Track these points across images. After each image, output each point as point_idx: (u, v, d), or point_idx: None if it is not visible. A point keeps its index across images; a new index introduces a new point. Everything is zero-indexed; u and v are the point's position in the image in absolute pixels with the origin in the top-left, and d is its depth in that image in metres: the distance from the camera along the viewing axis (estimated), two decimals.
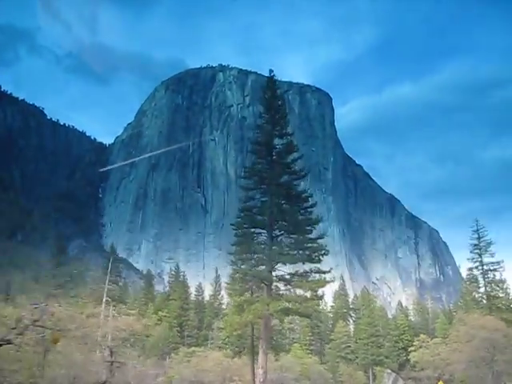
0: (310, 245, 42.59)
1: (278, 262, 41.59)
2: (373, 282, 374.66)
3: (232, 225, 45.57)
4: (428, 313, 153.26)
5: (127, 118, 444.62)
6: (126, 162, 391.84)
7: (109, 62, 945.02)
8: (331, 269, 43.52)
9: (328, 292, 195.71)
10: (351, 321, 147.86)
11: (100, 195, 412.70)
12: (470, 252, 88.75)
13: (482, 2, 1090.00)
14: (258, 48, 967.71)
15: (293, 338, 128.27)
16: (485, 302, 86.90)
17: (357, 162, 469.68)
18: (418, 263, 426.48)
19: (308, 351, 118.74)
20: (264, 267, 42.12)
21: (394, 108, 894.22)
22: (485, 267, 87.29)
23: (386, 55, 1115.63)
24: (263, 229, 43.78)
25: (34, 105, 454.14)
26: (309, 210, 44.55)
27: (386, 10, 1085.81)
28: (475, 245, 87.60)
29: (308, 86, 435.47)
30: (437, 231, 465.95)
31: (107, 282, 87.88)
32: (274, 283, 42.44)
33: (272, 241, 42.65)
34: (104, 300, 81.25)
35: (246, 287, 45.64)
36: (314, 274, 42.19)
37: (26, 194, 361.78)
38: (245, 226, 44.37)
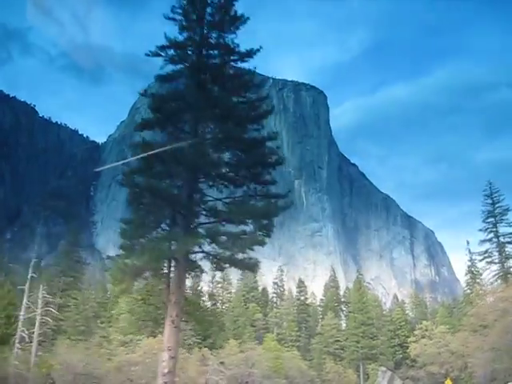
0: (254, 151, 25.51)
1: (203, 175, 24.81)
2: (367, 283, 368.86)
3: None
4: (426, 307, 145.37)
5: (121, 117, 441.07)
6: (122, 161, 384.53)
7: (103, 62, 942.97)
8: (288, 192, 25.98)
9: (319, 286, 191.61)
10: (342, 316, 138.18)
11: (92, 193, 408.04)
12: (483, 221, 76.59)
13: (475, 4, 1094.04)
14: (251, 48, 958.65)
15: (267, 329, 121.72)
16: (500, 281, 72.24)
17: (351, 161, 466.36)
18: (414, 263, 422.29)
19: (294, 347, 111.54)
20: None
21: (387, 109, 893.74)
22: (501, 239, 74.93)
23: (381, 57, 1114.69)
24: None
25: (26, 102, 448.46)
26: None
27: (380, 13, 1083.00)
28: (489, 212, 75.66)
29: (303, 83, 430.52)
30: (432, 231, 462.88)
31: None
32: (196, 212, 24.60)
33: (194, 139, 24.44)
34: None
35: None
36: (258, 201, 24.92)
37: (16, 192, 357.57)
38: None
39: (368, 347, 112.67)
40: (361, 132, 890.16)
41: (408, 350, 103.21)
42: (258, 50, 25.66)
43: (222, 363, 74.16)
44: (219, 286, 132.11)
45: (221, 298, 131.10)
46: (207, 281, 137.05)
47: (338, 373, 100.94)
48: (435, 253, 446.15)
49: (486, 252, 76.79)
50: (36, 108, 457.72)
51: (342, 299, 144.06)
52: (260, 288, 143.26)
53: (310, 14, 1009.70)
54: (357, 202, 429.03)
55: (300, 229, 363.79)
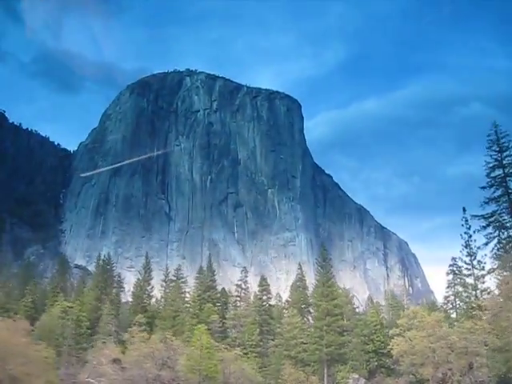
0: None
1: None
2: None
3: None
4: (404, 309, 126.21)
5: (93, 125, 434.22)
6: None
7: (76, 70, 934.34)
8: None
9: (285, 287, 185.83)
10: (311, 319, 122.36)
11: (61, 201, 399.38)
12: (487, 176, 59.33)
13: (449, 22, 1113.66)
14: (228, 61, 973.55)
15: (224, 332, 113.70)
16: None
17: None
18: (387, 275, 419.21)
19: (253, 353, 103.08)
20: None
21: (360, 123, 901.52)
22: None
23: (355, 71, 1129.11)
24: None
25: None
26: None
27: (356, 28, 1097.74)
28: (496, 161, 58.72)
29: (277, 92, 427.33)
30: (406, 243, 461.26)
31: None
32: None
33: None
34: None
35: None
36: None
37: None
38: None
39: (335, 345, 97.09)
40: (333, 145, 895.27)
41: (389, 347, 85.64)
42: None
43: (115, 361, 66.40)
44: (172, 284, 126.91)
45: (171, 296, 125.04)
46: (160, 279, 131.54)
47: (299, 380, 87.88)
48: (409, 264, 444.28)
49: (492, 215, 58.56)
50: (6, 114, 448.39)
51: (310, 300, 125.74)
52: (219, 288, 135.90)
53: (286, 29, 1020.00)
54: (330, 212, 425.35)
55: (273, 238, 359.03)
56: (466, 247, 73.52)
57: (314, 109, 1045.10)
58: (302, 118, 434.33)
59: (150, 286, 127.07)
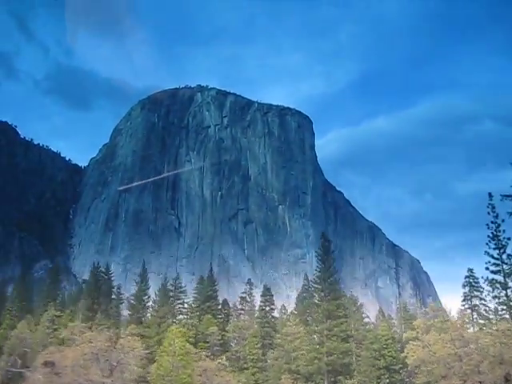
0: None
1: None
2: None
3: None
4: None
5: (104, 141, 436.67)
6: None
7: (88, 87, 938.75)
8: None
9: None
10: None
11: (71, 216, 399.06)
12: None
13: (458, 40, 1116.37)
14: (239, 79, 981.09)
15: (224, 345, 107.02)
16: None
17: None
18: (399, 293, 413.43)
19: (255, 368, 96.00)
20: None
21: (371, 141, 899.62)
22: None
23: (366, 89, 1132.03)
24: None
25: (7, 123, 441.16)
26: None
27: (367, 47, 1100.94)
28: None
29: (288, 108, 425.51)
30: (418, 261, 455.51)
31: None
32: None
33: None
34: None
35: None
36: None
37: None
38: None
39: (337, 353, 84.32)
40: (344, 162, 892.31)
41: (403, 355, 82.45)
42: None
43: (47, 364, 57.30)
44: (171, 294, 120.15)
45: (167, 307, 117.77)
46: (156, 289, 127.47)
47: None
48: (421, 282, 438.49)
49: None
50: (17, 129, 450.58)
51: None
52: (220, 299, 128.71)
53: (298, 47, 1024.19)
54: (342, 229, 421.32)
55: (283, 255, 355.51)
56: (493, 239, 60.96)
57: (325, 126, 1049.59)
58: (313, 134, 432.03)
59: (146, 297, 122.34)
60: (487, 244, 57.73)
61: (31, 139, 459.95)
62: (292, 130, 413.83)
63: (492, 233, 56.09)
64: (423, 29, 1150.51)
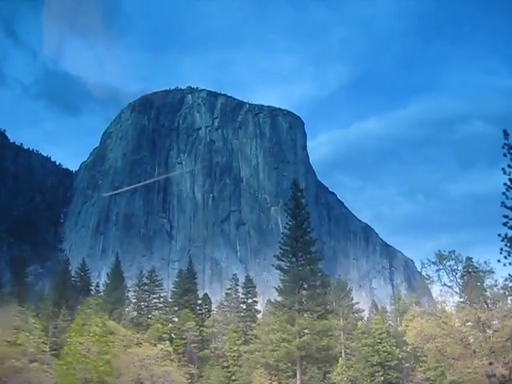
0: None
1: None
2: None
3: None
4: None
5: (95, 146, 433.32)
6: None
7: (78, 91, 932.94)
8: None
9: None
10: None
11: (61, 220, 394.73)
12: None
13: (448, 41, 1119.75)
14: (231, 82, 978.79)
15: (203, 342, 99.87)
16: None
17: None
18: (393, 293, 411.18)
19: (235, 366, 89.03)
20: None
21: (362, 142, 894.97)
22: None
23: (356, 91, 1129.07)
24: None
25: None
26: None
27: (358, 49, 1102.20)
28: None
29: (279, 109, 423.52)
30: (412, 261, 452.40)
31: None
32: None
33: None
34: None
35: None
36: None
37: None
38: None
39: (312, 333, 60.31)
40: (336, 164, 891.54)
41: (401, 329, 76.12)
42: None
43: None
44: (146, 288, 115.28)
45: (145, 302, 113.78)
46: (133, 284, 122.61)
47: None
48: (415, 282, 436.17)
49: None
50: (6, 134, 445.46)
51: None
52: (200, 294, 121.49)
53: (290, 50, 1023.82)
54: (335, 231, 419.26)
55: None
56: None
57: (316, 129, 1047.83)
58: (305, 135, 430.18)
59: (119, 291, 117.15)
60: (504, 194, 40.95)
61: (21, 144, 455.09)
62: (284, 130, 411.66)
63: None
64: (413, 30, 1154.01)
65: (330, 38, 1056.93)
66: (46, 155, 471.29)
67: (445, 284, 50.71)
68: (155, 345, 68.43)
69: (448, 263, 51.80)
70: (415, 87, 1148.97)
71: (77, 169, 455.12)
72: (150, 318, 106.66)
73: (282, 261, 65.69)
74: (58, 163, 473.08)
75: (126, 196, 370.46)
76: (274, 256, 66.47)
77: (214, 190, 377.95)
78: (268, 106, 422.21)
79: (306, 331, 62.30)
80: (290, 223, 67.22)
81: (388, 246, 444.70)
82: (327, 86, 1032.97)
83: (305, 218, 67.78)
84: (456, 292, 51.83)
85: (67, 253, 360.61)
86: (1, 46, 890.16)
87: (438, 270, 52.35)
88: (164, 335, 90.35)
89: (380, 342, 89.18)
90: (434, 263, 52.97)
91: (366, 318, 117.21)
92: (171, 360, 68.25)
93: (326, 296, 74.15)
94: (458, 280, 50.50)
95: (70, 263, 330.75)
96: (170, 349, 70.95)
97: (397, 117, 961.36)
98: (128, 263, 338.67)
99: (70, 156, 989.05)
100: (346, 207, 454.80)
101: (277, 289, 67.12)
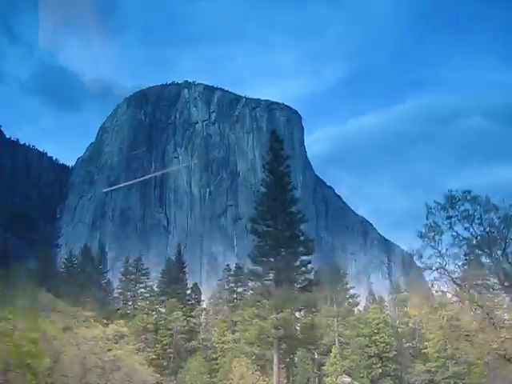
0: None
1: None
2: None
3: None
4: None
5: (92, 141, 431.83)
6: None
7: (74, 87, 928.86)
8: None
9: None
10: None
11: (58, 215, 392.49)
12: None
13: (446, 36, 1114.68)
14: (227, 78, 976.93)
15: (190, 333, 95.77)
16: None
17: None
18: (392, 288, 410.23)
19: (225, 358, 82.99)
20: None
21: (359, 138, 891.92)
22: None
23: (353, 87, 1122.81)
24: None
25: None
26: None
27: (354, 45, 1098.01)
28: None
29: (276, 103, 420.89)
30: (410, 255, 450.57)
31: None
32: None
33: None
34: None
35: None
36: None
37: None
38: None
39: (290, 308, 51.85)
40: (333, 160, 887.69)
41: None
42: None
43: None
44: (131, 277, 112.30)
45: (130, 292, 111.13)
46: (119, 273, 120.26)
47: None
48: (414, 277, 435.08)
49: None
50: (2, 129, 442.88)
51: None
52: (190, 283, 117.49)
53: (287, 46, 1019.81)
54: (333, 225, 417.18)
55: None
56: None
57: (313, 125, 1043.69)
58: (303, 129, 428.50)
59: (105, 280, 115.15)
60: None
61: (17, 139, 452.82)
62: (281, 124, 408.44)
63: None
64: (410, 26, 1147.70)
65: (327, 34, 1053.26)
66: (42, 150, 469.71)
67: (458, 235, 41.56)
68: (107, 325, 58.91)
69: (462, 207, 42.42)
70: (413, 82, 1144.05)
71: (73, 164, 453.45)
72: (136, 308, 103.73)
73: (258, 224, 56.22)
74: (54, 158, 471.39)
75: (123, 191, 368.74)
76: (249, 219, 58.87)
77: (211, 185, 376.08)
78: (265, 100, 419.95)
79: (284, 306, 51.81)
80: (268, 179, 58.06)
81: (386, 240, 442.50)
82: (324, 81, 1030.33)
83: (284, 173, 58.09)
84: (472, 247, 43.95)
85: (63, 248, 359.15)
86: None
87: (449, 218, 43.30)
88: (149, 325, 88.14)
89: (377, 333, 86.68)
90: (443, 208, 41.61)
91: (362, 309, 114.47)
92: (127, 344, 59.64)
93: (308, 264, 57.38)
94: (475, 228, 41.25)
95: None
96: (125, 329, 61.55)
97: (394, 112, 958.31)
98: (124, 258, 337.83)
99: (66, 152, 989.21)
100: (343, 202, 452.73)
101: (250, 256, 55.88)
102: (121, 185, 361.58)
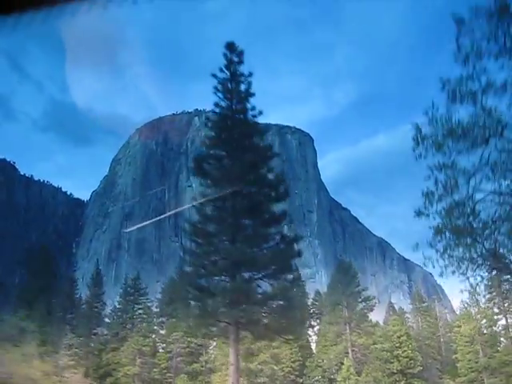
0: None
1: None
2: None
3: None
4: (436, 317, 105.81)
5: (105, 174, 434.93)
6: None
7: (86, 122, 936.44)
8: None
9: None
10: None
11: (74, 250, 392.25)
12: None
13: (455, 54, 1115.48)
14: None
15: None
16: None
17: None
18: (414, 298, 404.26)
19: None
20: None
21: (372, 160, 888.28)
22: None
23: (364, 109, 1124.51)
24: None
25: (5, 159, 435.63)
26: None
27: (363, 66, 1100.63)
28: None
29: (288, 126, 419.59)
30: (431, 274, 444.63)
31: None
32: None
33: None
34: None
35: None
36: None
37: None
38: None
39: (251, 257, 37.37)
40: (347, 183, 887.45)
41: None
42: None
43: None
44: (130, 298, 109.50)
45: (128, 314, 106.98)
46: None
47: None
48: (435, 296, 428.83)
49: None
50: (16, 165, 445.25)
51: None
52: None
53: (295, 72, 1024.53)
54: (351, 247, 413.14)
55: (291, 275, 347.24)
56: None
57: (324, 149, 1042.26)
58: (315, 151, 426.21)
59: (101, 303, 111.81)
60: None
61: (31, 175, 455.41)
62: (293, 148, 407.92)
63: None
64: (419, 44, 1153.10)
65: (335, 57, 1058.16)
66: (56, 186, 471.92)
67: None
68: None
69: None
70: (424, 101, 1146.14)
71: (88, 198, 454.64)
72: (135, 331, 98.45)
73: (207, 162, 38.88)
74: (69, 193, 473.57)
75: (137, 221, 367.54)
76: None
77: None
78: (276, 125, 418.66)
79: (245, 259, 36.13)
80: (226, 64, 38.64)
81: (405, 260, 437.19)
82: (335, 105, 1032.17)
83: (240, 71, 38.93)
84: None
85: (80, 282, 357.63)
86: (8, 82, 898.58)
87: None
88: (144, 348, 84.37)
89: (399, 347, 79.07)
90: None
91: (382, 323, 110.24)
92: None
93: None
94: None
95: (84, 292, 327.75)
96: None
97: (406, 132, 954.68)
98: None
99: (81, 187, 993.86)
100: (360, 223, 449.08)
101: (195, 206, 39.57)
102: (140, 224, 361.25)
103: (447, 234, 23.67)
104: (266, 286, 37.50)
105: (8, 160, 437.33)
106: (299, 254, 40.25)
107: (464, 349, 77.89)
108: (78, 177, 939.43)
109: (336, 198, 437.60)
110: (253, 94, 38.85)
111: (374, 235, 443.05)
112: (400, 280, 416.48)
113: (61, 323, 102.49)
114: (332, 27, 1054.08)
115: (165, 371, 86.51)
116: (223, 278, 36.63)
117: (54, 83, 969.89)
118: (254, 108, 38.81)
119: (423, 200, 23.82)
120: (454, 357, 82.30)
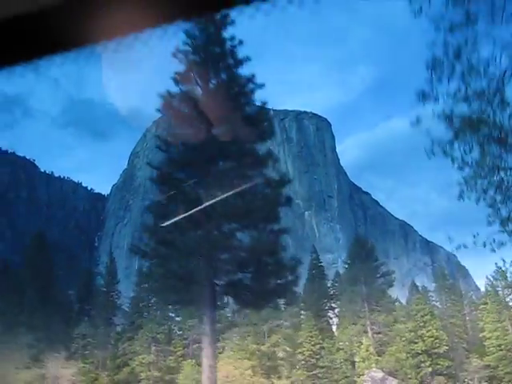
0: None
1: None
2: None
3: None
4: (461, 295, 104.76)
5: (125, 167, 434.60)
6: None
7: (104, 117, 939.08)
8: None
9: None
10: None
11: (96, 244, 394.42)
12: None
13: (475, 31, 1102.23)
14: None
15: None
16: None
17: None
18: (437, 276, 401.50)
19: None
20: None
21: (390, 143, 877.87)
22: None
23: (380, 92, 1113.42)
24: None
25: (25, 157, 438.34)
26: None
27: (378, 50, 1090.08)
28: None
29: (305, 112, 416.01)
30: (454, 255, 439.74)
31: None
32: None
33: None
34: None
35: None
36: None
37: (16, 248, 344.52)
38: None
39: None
40: (366, 167, 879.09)
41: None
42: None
43: None
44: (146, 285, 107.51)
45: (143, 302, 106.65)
46: None
47: None
48: (460, 277, 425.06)
49: None
50: (36, 163, 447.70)
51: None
52: None
53: (311, 58, 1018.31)
54: (372, 231, 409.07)
55: None
56: None
57: (342, 134, 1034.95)
58: (333, 136, 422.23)
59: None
60: None
61: (51, 172, 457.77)
62: (311, 133, 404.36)
63: None
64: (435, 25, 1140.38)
65: (350, 42, 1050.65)
66: (77, 181, 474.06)
67: None
68: None
69: None
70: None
71: (108, 192, 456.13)
72: (149, 319, 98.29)
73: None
74: (89, 188, 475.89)
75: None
76: None
77: None
78: (293, 111, 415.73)
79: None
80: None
81: (428, 242, 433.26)
82: (351, 90, 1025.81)
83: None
84: None
85: (103, 275, 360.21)
86: (25, 82, 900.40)
87: None
88: (158, 336, 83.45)
89: (424, 326, 76.90)
90: None
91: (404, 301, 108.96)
92: None
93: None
94: None
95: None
96: None
97: (423, 113, 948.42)
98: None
99: (101, 181, 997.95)
100: (381, 206, 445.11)
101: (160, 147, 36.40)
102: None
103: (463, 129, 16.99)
104: (247, 239, 32.19)
105: (28, 158, 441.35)
106: (288, 200, 34.37)
107: (491, 326, 76.27)
108: (97, 171, 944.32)
109: (355, 182, 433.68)
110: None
111: (396, 218, 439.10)
112: (423, 262, 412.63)
113: (54, 312, 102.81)
114: (344, 11, 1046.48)
115: (181, 359, 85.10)
116: (194, 230, 32.29)
117: (69, 79, 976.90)
118: (233, 38, 33.11)
119: (428, 74, 15.88)
120: (481, 335, 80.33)
